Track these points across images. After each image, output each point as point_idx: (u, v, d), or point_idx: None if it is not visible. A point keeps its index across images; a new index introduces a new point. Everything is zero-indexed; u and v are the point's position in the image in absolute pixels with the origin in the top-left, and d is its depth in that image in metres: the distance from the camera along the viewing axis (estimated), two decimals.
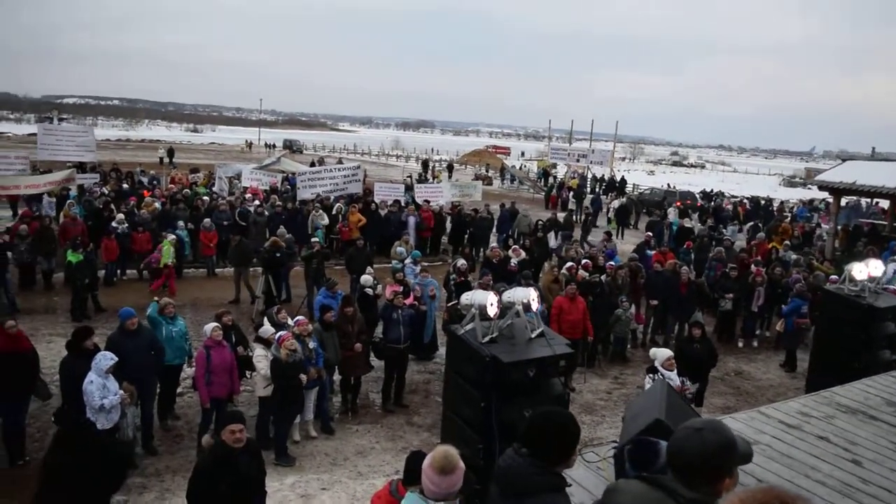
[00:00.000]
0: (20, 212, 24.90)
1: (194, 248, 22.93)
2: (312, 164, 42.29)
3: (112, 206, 23.49)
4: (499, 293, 8.86)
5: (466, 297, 8.77)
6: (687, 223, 31.37)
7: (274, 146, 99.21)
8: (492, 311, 8.27)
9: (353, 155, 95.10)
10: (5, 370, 10.40)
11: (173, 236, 20.94)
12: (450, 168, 65.32)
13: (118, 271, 21.41)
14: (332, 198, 27.10)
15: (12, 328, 10.62)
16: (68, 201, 24.40)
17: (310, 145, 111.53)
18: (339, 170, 28.18)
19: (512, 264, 19.13)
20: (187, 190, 29.39)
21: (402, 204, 27.89)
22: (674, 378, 10.55)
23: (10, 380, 10.46)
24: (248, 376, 12.46)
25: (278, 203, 25.73)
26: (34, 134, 42.06)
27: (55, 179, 26.43)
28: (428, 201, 28.26)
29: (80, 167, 31.75)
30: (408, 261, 18.03)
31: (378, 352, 13.54)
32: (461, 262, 17.38)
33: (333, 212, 25.91)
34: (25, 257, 19.56)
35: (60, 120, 69.25)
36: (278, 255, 18.36)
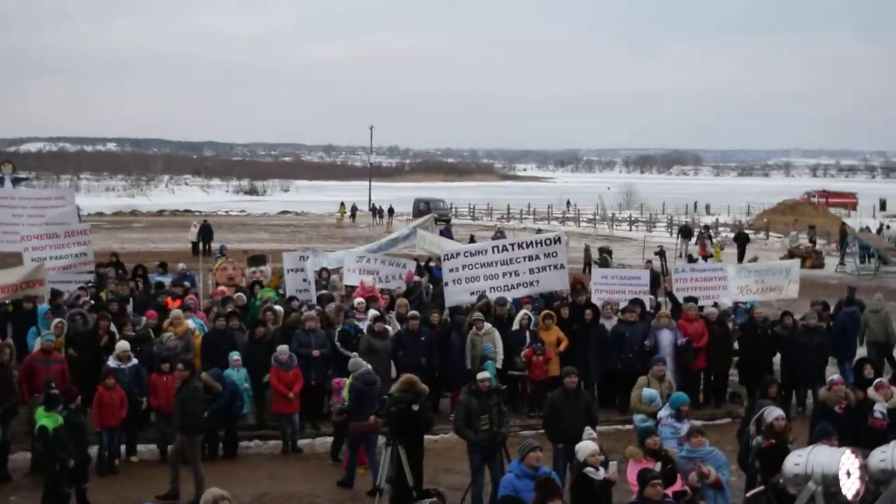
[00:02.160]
0: None
1: (259, 400, 17.24)
2: (472, 240, 36.86)
3: (112, 328, 17.60)
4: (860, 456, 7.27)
5: (796, 462, 7.19)
6: None
7: (391, 212, 79.72)
8: (849, 486, 6.60)
9: (552, 224, 75.97)
10: None
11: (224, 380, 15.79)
12: (740, 239, 47.53)
13: (123, 446, 15.96)
14: (511, 301, 19.90)
15: None
16: (37, 326, 18.20)
17: (463, 208, 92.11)
18: (522, 246, 21.17)
19: (876, 415, 13.44)
20: (242, 295, 21.40)
21: (648, 307, 20.94)
22: None
23: None
24: None
25: (411, 313, 18.48)
26: None
27: (9, 283, 19.25)
28: (694, 300, 20.45)
29: None
30: (664, 412, 13.65)
31: None
32: (772, 411, 12.05)
33: (515, 324, 18.89)
34: None
35: (17, 180, 52.31)
36: (416, 407, 13.37)
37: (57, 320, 17.45)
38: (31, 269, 19.92)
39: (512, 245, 21.54)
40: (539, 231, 45.07)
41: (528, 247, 20.95)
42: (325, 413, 17.54)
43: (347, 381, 15.47)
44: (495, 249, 21.20)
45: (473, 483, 13.46)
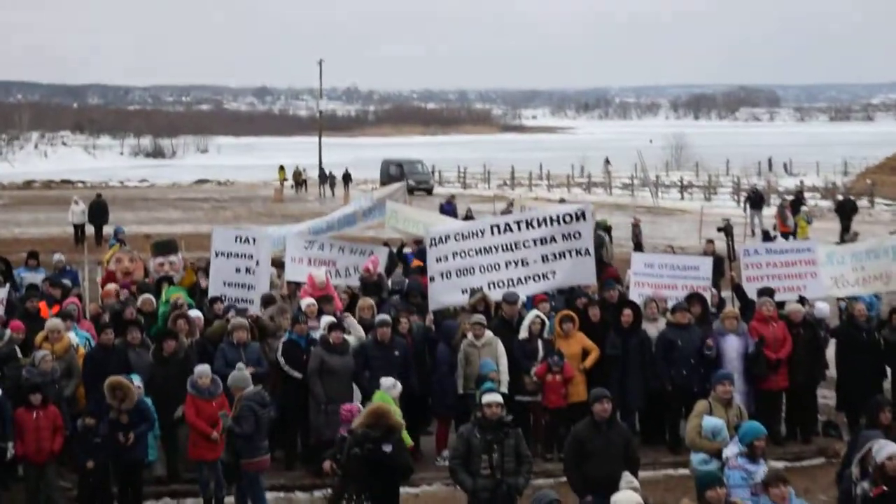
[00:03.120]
0: None
1: (170, 443, 17.76)
2: (468, 217, 38.88)
3: None
4: None
5: None
6: None
7: (347, 178, 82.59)
8: None
9: (573, 192, 79.86)
10: None
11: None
12: (845, 207, 48.26)
13: None
14: (524, 299, 20.50)
15: None
16: None
17: (450, 172, 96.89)
18: (531, 225, 21.35)
19: None
20: (149, 297, 21.89)
21: (709, 305, 21.49)
22: None
23: None
24: None
25: (380, 318, 18.82)
26: None
27: None
28: (771, 293, 20.95)
29: None
30: (731, 449, 13.90)
31: None
32: (884, 447, 12.29)
33: (524, 331, 19.06)
34: None
35: None
36: (389, 448, 13.55)
37: None
38: None
39: (518, 223, 21.57)
40: (562, 202, 45.34)
41: (540, 225, 21.07)
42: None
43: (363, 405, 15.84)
44: (495, 230, 21.26)
45: None
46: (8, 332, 18.40)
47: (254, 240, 22.88)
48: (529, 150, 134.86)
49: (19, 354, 17.76)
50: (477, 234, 21.20)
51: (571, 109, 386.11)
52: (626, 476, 12.73)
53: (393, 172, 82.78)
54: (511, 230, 21.09)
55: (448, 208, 47.32)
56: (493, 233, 21.11)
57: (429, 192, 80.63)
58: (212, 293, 21.93)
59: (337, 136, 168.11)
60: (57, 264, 26.19)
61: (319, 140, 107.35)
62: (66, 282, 23.45)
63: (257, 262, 22.31)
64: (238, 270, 22.25)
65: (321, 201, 74.26)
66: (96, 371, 17.45)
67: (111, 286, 23.43)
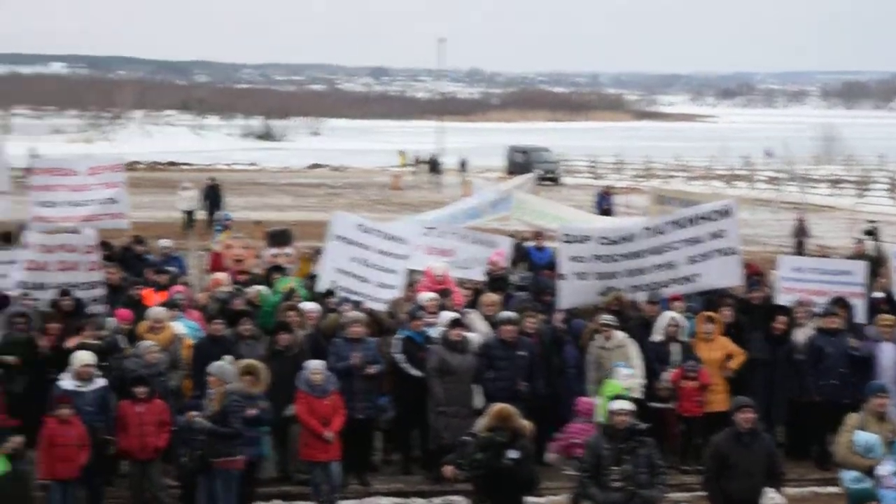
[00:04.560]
0: None
1: (281, 441, 17.98)
2: (605, 209, 37.88)
3: (63, 336, 18.25)
4: None
5: None
6: None
7: (463, 166, 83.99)
8: None
9: (713, 185, 78.10)
10: None
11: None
12: None
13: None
14: (662, 299, 20.42)
15: None
16: None
17: (580, 161, 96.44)
18: (680, 224, 21.38)
19: None
20: (262, 289, 22.18)
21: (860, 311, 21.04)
22: None
23: None
24: None
25: (504, 316, 18.84)
26: None
27: None
28: None
29: None
30: (886, 467, 13.95)
31: None
32: None
33: (658, 333, 19.09)
34: None
35: None
36: (514, 455, 13.51)
37: None
38: None
39: (669, 225, 21.57)
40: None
41: (689, 225, 21.13)
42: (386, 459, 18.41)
43: None
44: (646, 233, 21.35)
45: None
46: (112, 320, 18.75)
47: (376, 231, 22.96)
48: (665, 140, 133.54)
49: (124, 344, 18.00)
50: (625, 239, 21.14)
51: (711, 96, 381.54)
52: (771, 494, 12.76)
53: (518, 160, 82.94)
54: (662, 233, 21.06)
55: (604, 202, 47.05)
56: (644, 236, 21.08)
57: (555, 181, 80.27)
58: (323, 279, 22.10)
59: (457, 120, 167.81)
60: (163, 250, 26.40)
61: (440, 124, 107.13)
62: (174, 269, 23.78)
63: (379, 252, 22.27)
64: (353, 259, 22.39)
65: (439, 189, 74.22)
66: (205, 363, 17.36)
67: (221, 275, 23.64)
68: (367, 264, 22.27)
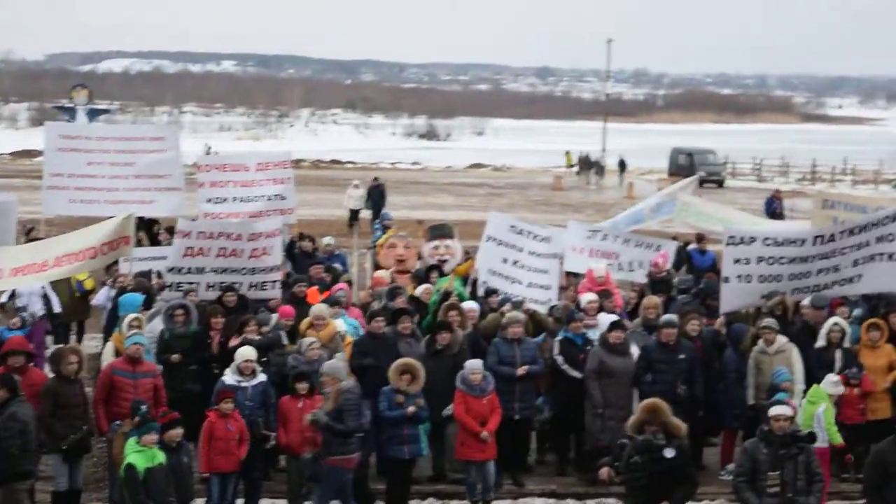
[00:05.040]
0: None
1: (438, 441, 17.97)
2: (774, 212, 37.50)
3: (228, 328, 18.64)
4: None
5: None
6: None
7: (622, 166, 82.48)
8: None
9: (881, 189, 78.39)
10: None
11: None
12: None
13: (241, 501, 16.60)
14: (826, 304, 19.90)
15: None
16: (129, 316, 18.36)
17: (745, 163, 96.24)
18: (853, 232, 20.99)
19: None
20: (429, 287, 21.90)
21: None
22: None
23: None
24: None
25: (666, 319, 18.71)
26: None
27: (90, 245, 20.79)
28: None
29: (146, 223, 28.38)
30: None
31: None
32: None
33: (821, 339, 18.79)
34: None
35: (95, 112, 61.43)
36: (671, 454, 13.60)
37: (132, 316, 18.08)
38: (115, 226, 21.25)
39: (843, 233, 21.10)
40: None
41: (860, 231, 20.67)
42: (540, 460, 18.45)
43: None
44: (818, 241, 20.90)
45: None
46: (275, 317, 18.99)
47: (527, 231, 23.00)
48: (833, 143, 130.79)
49: (285, 341, 18.19)
50: (795, 243, 20.83)
51: (883, 99, 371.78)
52: None
53: (682, 162, 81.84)
54: (834, 240, 20.64)
55: (774, 205, 46.44)
56: (814, 243, 20.66)
57: (720, 184, 79.30)
58: (480, 279, 22.21)
59: (622, 121, 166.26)
60: (326, 248, 26.41)
61: (605, 125, 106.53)
62: (338, 266, 23.95)
63: (530, 253, 22.36)
64: (505, 261, 22.48)
65: (600, 191, 73.77)
66: (364, 360, 17.67)
67: (382, 273, 23.79)
68: (518, 265, 22.39)
